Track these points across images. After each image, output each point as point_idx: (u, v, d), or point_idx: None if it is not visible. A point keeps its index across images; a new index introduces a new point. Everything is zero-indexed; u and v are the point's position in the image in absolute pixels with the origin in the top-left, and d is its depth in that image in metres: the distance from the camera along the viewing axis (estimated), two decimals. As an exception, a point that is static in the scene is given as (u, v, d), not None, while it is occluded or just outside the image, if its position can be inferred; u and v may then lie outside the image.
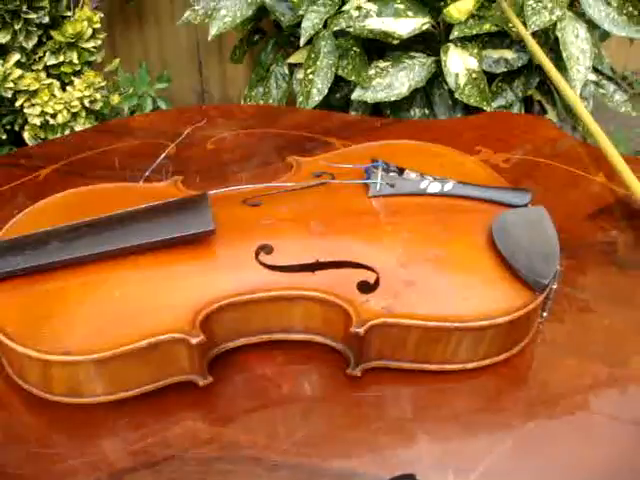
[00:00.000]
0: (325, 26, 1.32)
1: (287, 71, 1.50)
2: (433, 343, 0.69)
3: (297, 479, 0.64)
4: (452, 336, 0.68)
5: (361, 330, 0.66)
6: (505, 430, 0.67)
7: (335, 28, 1.28)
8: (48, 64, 1.47)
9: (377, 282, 0.69)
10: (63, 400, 0.67)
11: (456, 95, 1.27)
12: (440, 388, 0.71)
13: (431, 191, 0.78)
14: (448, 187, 0.78)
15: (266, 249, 0.71)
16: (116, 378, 0.66)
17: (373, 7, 1.25)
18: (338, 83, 1.38)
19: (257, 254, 0.70)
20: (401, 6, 1.26)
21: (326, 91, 1.32)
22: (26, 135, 1.49)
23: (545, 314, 0.74)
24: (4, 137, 1.53)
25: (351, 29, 1.28)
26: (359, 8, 1.25)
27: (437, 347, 0.69)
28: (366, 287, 0.69)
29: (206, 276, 0.69)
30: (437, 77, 1.37)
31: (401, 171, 0.79)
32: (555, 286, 0.72)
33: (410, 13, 1.27)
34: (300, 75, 1.44)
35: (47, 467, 0.65)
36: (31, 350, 0.64)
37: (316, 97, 1.30)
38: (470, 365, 0.71)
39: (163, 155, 0.95)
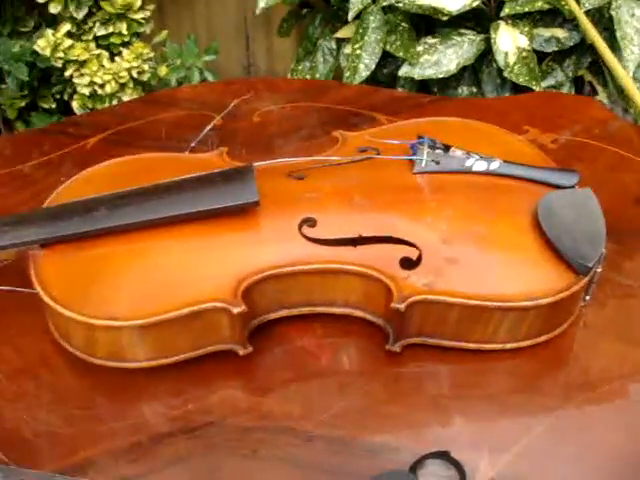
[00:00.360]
0: (374, 1, 1.31)
1: (334, 46, 1.49)
2: (473, 322, 0.68)
3: (332, 451, 0.64)
4: (493, 315, 0.68)
5: (402, 306, 0.66)
6: (542, 413, 0.67)
7: (385, 3, 1.27)
8: (97, 35, 1.48)
9: (419, 259, 0.69)
10: (106, 364, 0.68)
11: (505, 74, 1.25)
12: (478, 367, 0.71)
13: (477, 169, 0.77)
14: (494, 166, 0.77)
15: (309, 222, 0.71)
16: (158, 344, 0.67)
17: (423, -18, 1.24)
18: (385, 59, 1.37)
19: (300, 227, 0.70)
20: (452, -18, 1.25)
21: (373, 67, 1.31)
22: (75, 104, 1.51)
23: (588, 298, 0.74)
24: (53, 106, 1.55)
25: (401, 4, 1.27)
26: (409, -17, 1.24)
27: (477, 326, 0.69)
28: (408, 263, 0.69)
29: (249, 247, 0.69)
30: (486, 55, 1.35)
31: (447, 148, 0.78)
32: (600, 270, 0.71)
33: (461, -11, 1.25)
34: (347, 50, 1.43)
35: (89, 428, 0.67)
36: (76, 314, 0.65)
37: (363, 72, 1.30)
38: (509, 345, 0.71)
39: (209, 126, 0.95)
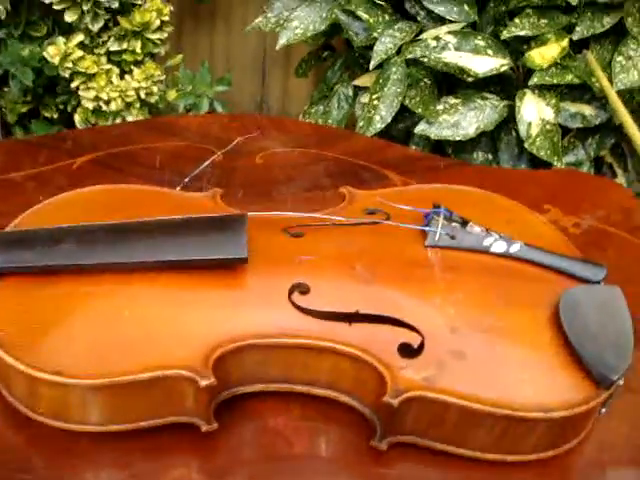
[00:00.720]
0: (398, 52, 1.22)
1: (351, 93, 1.40)
2: (474, 427, 0.58)
3: None
4: (497, 423, 0.57)
5: (395, 402, 0.55)
6: None
7: (409, 56, 1.18)
8: (110, 49, 1.39)
9: (421, 347, 0.59)
10: (47, 422, 0.57)
11: (526, 145, 1.16)
12: (471, 478, 0.59)
13: (495, 250, 0.66)
14: (514, 249, 0.67)
15: (302, 288, 0.60)
16: (109, 409, 0.56)
17: (452, 40, 1.15)
18: (402, 113, 1.27)
19: (291, 293, 0.60)
20: (482, 43, 1.16)
21: (389, 120, 1.22)
22: (77, 118, 1.41)
23: (604, 410, 0.63)
24: (55, 116, 1.46)
25: (426, 59, 1.18)
26: (437, 39, 1.15)
27: (478, 432, 0.58)
28: (408, 351, 0.58)
29: (229, 309, 0.59)
30: (507, 122, 1.25)
31: (464, 223, 0.68)
32: (622, 382, 0.60)
33: (490, 52, 1.16)
34: (364, 99, 1.34)
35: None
36: (19, 362, 0.55)
37: (378, 124, 1.20)
38: (510, 458, 0.60)
39: (207, 162, 0.85)
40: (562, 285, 0.64)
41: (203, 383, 0.54)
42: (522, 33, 1.14)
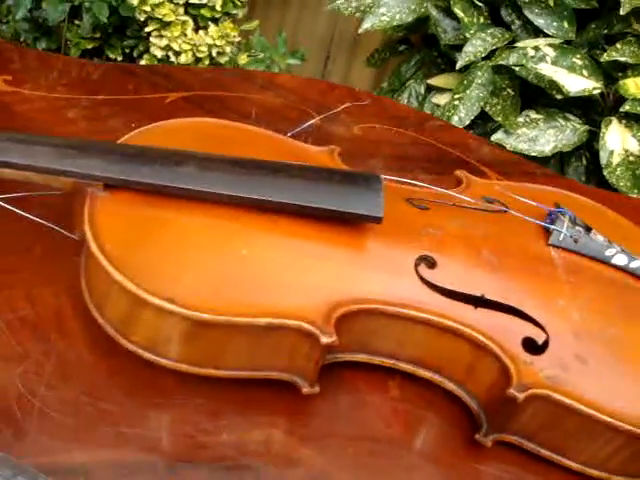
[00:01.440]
0: (488, 57, 1.18)
1: (423, 91, 1.36)
2: (589, 439, 0.53)
3: None
4: (616, 439, 0.53)
5: (521, 396, 0.51)
6: None
7: (502, 62, 1.14)
8: (190, 1, 1.34)
9: (546, 344, 0.54)
10: (137, 352, 0.52)
11: (605, 173, 1.11)
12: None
13: (616, 262, 0.62)
14: (636, 264, 0.63)
15: (428, 261, 0.56)
16: (211, 349, 0.51)
17: (551, 53, 1.11)
18: (478, 119, 1.23)
19: (417, 264, 0.55)
20: (579, 62, 1.12)
21: (467, 122, 1.18)
22: (142, 64, 1.36)
23: None
24: (119, 58, 1.40)
25: (517, 68, 1.14)
26: (537, 49, 1.11)
27: (591, 445, 0.54)
28: (532, 346, 0.54)
29: (355, 269, 0.54)
30: (579, 148, 1.22)
31: (588, 229, 0.63)
32: None
33: (585, 72, 1.12)
34: (436, 99, 1.30)
35: (93, 425, 0.50)
36: (128, 281, 0.49)
37: (455, 125, 1.16)
38: (617, 479, 0.55)
39: (309, 122, 0.80)
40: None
41: (324, 340, 0.49)
42: (622, 59, 1.10)
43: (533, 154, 1.17)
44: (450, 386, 0.56)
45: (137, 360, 0.53)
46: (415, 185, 0.62)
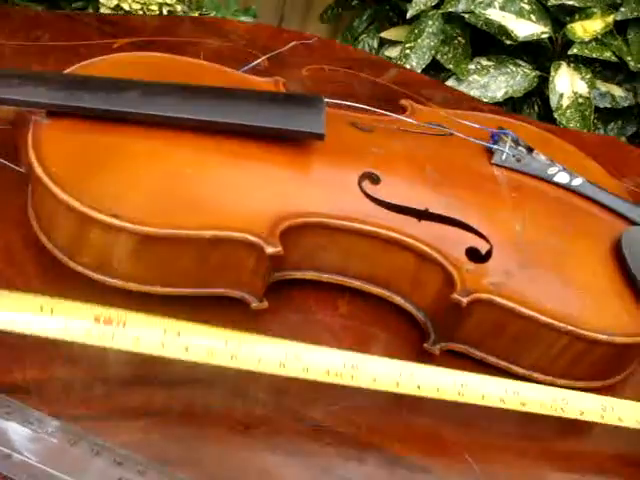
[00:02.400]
0: (438, 6, 1.19)
1: (376, 45, 1.37)
2: (534, 342, 0.55)
3: (342, 451, 0.49)
4: (559, 340, 0.54)
5: (465, 300, 0.52)
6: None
7: (451, 9, 1.15)
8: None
9: (489, 254, 0.56)
10: (87, 273, 0.52)
11: (555, 115, 1.14)
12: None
13: (558, 180, 0.64)
14: (577, 182, 0.64)
15: (372, 178, 0.57)
16: (158, 267, 0.52)
17: (499, -2, 1.13)
18: (430, 69, 1.25)
19: (361, 181, 0.56)
20: (527, 7, 1.13)
21: (419, 71, 1.19)
22: (92, 24, 1.34)
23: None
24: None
25: (466, 15, 1.15)
26: (485, -6, 1.13)
27: (536, 349, 0.55)
28: (476, 255, 0.55)
29: (299, 185, 0.55)
30: (531, 95, 1.24)
31: (530, 149, 0.65)
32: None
33: (533, 17, 1.14)
34: (390, 52, 1.31)
35: (44, 345, 0.51)
36: (74, 199, 0.49)
37: (408, 73, 1.16)
38: (560, 382, 0.57)
39: (256, 62, 0.80)
40: (619, 225, 0.62)
41: (269, 250, 0.50)
42: (569, 3, 1.12)
43: (485, 100, 1.18)
44: (397, 300, 0.57)
45: (86, 284, 0.53)
46: (358, 108, 0.62)
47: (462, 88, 1.18)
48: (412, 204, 0.56)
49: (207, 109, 0.55)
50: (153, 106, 0.55)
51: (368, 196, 0.56)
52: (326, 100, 0.59)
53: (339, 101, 0.61)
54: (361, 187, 0.56)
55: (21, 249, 0.57)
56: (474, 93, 1.18)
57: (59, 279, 0.54)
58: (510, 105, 1.28)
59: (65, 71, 0.60)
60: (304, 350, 0.48)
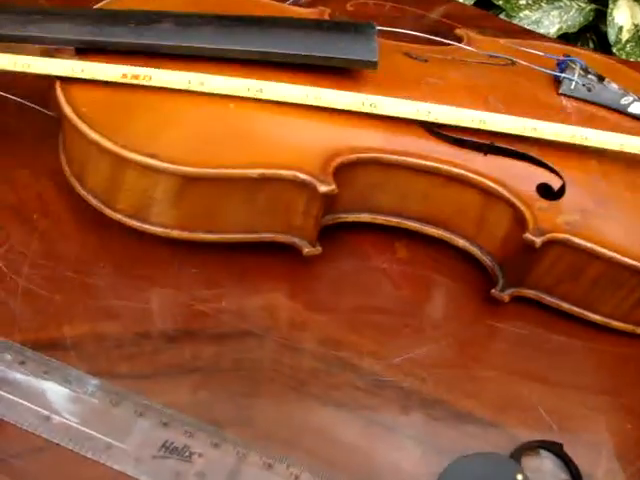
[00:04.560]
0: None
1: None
2: (614, 286, 0.49)
3: (404, 405, 0.45)
4: (641, 285, 0.48)
5: (539, 240, 0.46)
6: None
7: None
8: None
9: (562, 190, 0.50)
10: (124, 221, 0.48)
11: (614, 50, 1.05)
12: (594, 350, 0.51)
13: (632, 111, 0.57)
14: (654, 112, 0.57)
15: (431, 109, 0.51)
16: (201, 210, 0.47)
17: None
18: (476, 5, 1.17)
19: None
20: None
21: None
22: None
23: None
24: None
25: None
26: None
27: (615, 294, 0.50)
28: (548, 192, 0.49)
29: (352, 120, 0.49)
30: (587, 31, 1.15)
31: (601, 78, 0.58)
32: None
33: (590, -55, 1.05)
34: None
35: (81, 299, 0.47)
36: (105, 139, 0.45)
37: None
38: (641, 331, 0.51)
39: (295, -2, 0.74)
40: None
41: (322, 189, 0.45)
42: None
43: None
44: (461, 243, 0.52)
45: (126, 233, 0.49)
46: (412, 36, 0.56)
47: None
48: (475, 137, 0.50)
49: (248, 39, 0.50)
50: (189, 38, 0.49)
51: (428, 129, 0.50)
52: (377, 28, 0.53)
53: (391, 28, 0.55)
54: (419, 120, 0.50)
55: (55, 198, 0.53)
56: (526, 30, 1.10)
57: (97, 228, 0.50)
58: (563, 42, 1.19)
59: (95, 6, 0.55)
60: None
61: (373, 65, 0.49)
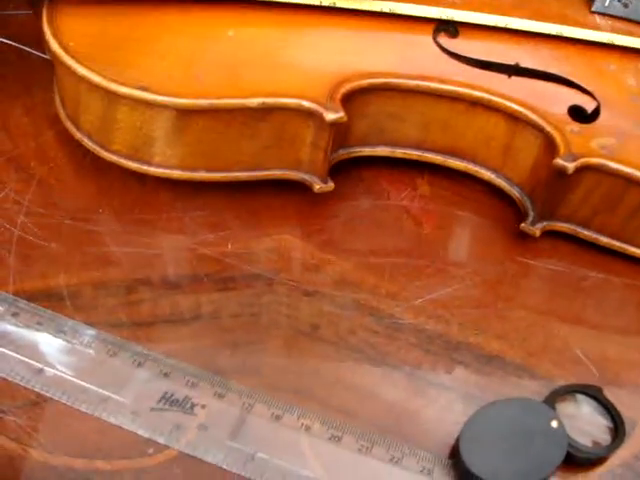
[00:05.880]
0: None
1: None
2: (657, 216, 0.44)
3: (427, 350, 0.40)
4: (690, 212, 0.43)
5: (571, 165, 0.41)
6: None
7: None
8: None
9: (596, 112, 0.44)
10: (122, 162, 0.44)
11: None
12: (636, 287, 0.46)
13: (674, 27, 0.51)
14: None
15: (449, 30, 0.46)
16: (201, 146, 0.43)
17: None
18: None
19: (436, 34, 0.45)
20: None
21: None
22: None
23: None
24: None
25: None
26: None
27: (660, 224, 0.44)
28: (581, 115, 0.44)
29: (362, 41, 0.44)
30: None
31: (638, -7, 0.52)
32: None
33: None
34: None
35: (78, 246, 0.43)
36: (96, 75, 0.41)
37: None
38: (690, 265, 0.46)
39: None
40: None
41: (329, 116, 0.40)
42: None
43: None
44: (487, 175, 0.47)
45: (126, 177, 0.46)
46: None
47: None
48: (498, 58, 0.45)
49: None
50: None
51: (445, 51, 0.45)
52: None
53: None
54: (436, 41, 0.45)
55: (53, 145, 0.49)
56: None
57: (96, 174, 0.47)
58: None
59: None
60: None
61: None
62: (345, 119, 0.41)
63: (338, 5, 0.44)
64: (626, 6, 0.52)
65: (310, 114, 0.41)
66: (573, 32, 0.46)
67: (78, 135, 0.45)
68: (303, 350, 0.39)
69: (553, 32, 0.45)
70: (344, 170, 0.47)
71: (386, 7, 0.44)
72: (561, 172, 0.42)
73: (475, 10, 0.46)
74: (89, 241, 0.43)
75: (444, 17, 0.44)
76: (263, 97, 0.40)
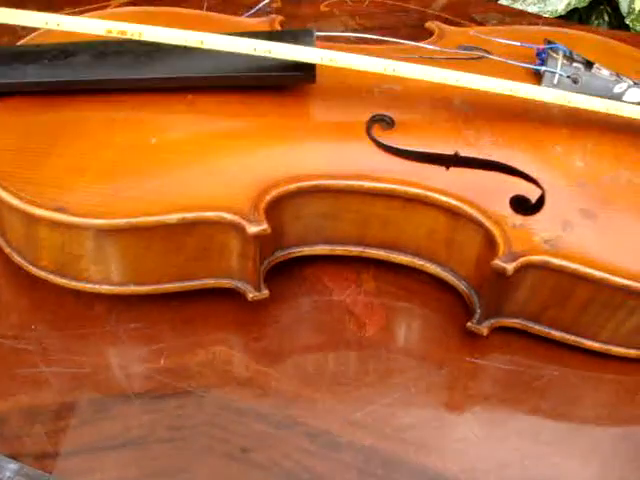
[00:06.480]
0: None
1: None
2: (609, 309, 0.41)
3: (366, 471, 0.38)
4: (641, 306, 0.40)
5: (510, 267, 0.39)
6: None
7: None
8: None
9: (541, 202, 0.42)
10: (50, 278, 0.42)
11: (627, 21, 0.96)
12: (600, 380, 0.43)
13: (629, 99, 0.49)
14: (653, 97, 0.49)
15: (384, 121, 0.44)
16: (127, 262, 0.41)
17: None
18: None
19: (369, 127, 0.43)
20: None
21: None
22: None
23: None
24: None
25: None
26: None
27: (612, 318, 0.42)
28: (524, 205, 0.42)
29: (288, 144, 0.42)
30: (600, 3, 1.06)
31: (589, 64, 0.50)
32: None
33: None
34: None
35: (9, 368, 0.41)
36: (13, 197, 0.39)
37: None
38: (647, 354, 0.43)
39: (264, 2, 0.67)
40: None
41: (252, 229, 0.38)
42: None
43: (546, 15, 1.01)
44: (432, 269, 0.45)
45: (60, 290, 0.44)
46: (365, 39, 0.49)
47: (517, 5, 1.01)
48: (436, 149, 0.43)
49: (171, 65, 0.43)
50: (106, 69, 0.44)
51: (379, 144, 0.43)
52: (319, 34, 0.46)
53: (335, 33, 0.48)
54: (370, 135, 0.43)
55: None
56: (532, 9, 1.01)
57: (30, 289, 0.45)
58: (576, 17, 1.10)
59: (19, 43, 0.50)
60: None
61: (310, 79, 0.43)
62: (268, 231, 0.39)
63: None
64: (575, 82, 0.50)
65: (233, 226, 0.39)
66: (526, 92, 0.43)
67: (7, 250, 0.44)
68: (233, 478, 0.37)
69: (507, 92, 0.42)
70: (286, 269, 0.45)
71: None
72: (500, 273, 0.39)
73: (412, 102, 0.44)
74: (19, 362, 0.42)
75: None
76: (183, 212, 0.39)
